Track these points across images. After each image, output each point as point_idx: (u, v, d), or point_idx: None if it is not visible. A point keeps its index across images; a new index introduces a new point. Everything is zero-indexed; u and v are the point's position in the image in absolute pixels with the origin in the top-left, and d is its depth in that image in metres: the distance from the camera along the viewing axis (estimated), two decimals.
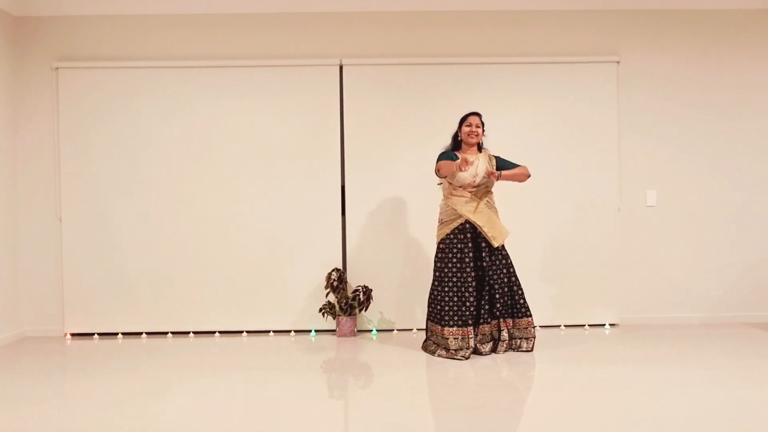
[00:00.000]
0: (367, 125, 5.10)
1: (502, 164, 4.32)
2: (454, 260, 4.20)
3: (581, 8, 5.15)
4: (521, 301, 4.32)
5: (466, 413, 3.14)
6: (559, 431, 2.86)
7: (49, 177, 5.07)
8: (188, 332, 5.07)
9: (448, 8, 5.11)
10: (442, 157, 4.27)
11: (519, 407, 3.22)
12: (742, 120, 5.22)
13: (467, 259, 4.17)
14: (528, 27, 5.16)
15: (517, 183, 4.41)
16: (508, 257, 4.32)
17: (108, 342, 4.90)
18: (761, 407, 3.12)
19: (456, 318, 4.15)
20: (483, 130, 4.33)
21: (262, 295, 5.08)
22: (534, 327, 4.36)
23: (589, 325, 5.14)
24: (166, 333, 5.06)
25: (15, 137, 5.05)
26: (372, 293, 4.96)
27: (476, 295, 4.20)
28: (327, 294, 4.97)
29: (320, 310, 4.94)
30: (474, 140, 4.29)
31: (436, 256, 4.32)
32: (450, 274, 4.21)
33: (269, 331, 5.08)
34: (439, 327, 4.24)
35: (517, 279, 4.33)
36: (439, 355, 4.20)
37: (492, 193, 4.35)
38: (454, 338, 4.14)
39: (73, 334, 5.06)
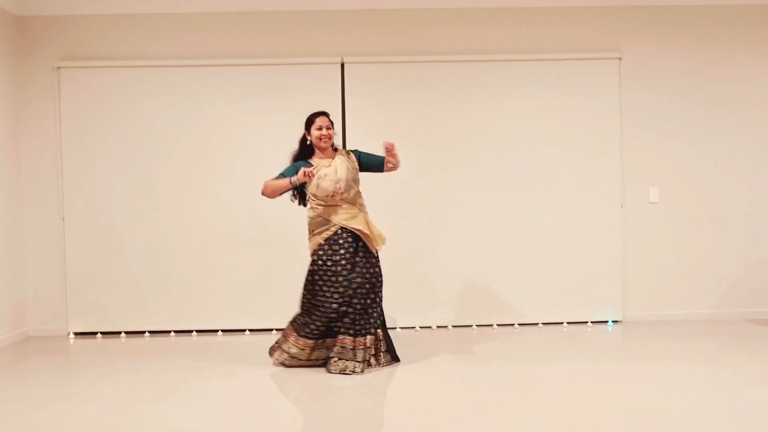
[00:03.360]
0: (369, 123, 5.10)
1: (366, 158, 3.97)
2: (329, 272, 3.82)
3: (583, 5, 5.13)
4: (375, 313, 3.87)
5: (467, 411, 3.14)
6: (561, 429, 2.86)
7: (52, 176, 5.08)
8: (191, 331, 5.07)
9: (449, 6, 5.10)
10: (280, 175, 3.89)
11: (520, 405, 3.22)
12: (744, 116, 5.20)
13: (344, 271, 3.81)
14: (530, 24, 5.14)
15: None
16: (378, 265, 3.92)
17: (111, 341, 4.91)
18: (764, 404, 3.12)
19: (315, 331, 3.85)
20: (334, 130, 3.95)
21: (265, 294, 5.08)
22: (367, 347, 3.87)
23: (591, 322, 5.13)
24: (169, 332, 5.06)
25: (17, 137, 5.05)
26: None
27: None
28: None
29: None
30: (326, 144, 3.89)
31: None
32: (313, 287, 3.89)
33: (272, 330, 5.08)
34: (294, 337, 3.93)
35: (380, 291, 3.91)
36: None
37: (361, 195, 3.98)
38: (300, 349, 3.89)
39: (76, 333, 5.06)
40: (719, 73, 5.19)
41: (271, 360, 4.02)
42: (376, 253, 3.93)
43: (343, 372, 3.74)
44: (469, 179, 5.10)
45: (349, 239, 3.85)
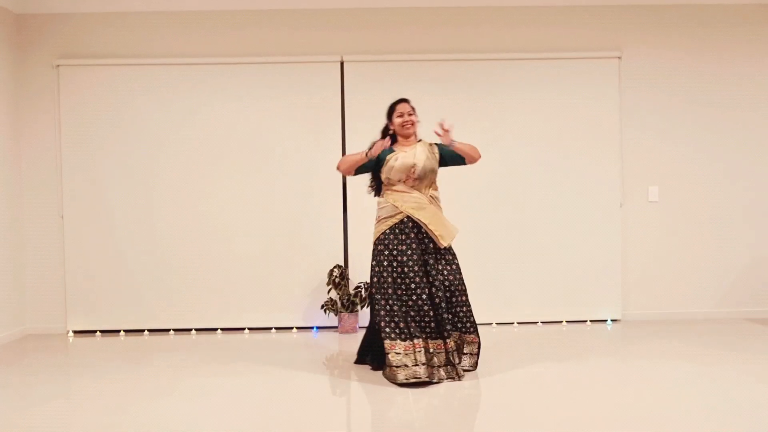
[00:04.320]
0: (369, 122, 5.06)
1: (447, 151, 3.78)
2: (394, 263, 3.65)
3: (583, 4, 5.13)
4: (464, 313, 3.70)
5: (468, 410, 3.14)
6: (559, 427, 2.87)
7: (51, 174, 5.07)
8: (190, 329, 5.07)
9: (449, 5, 5.10)
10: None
11: (519, 404, 3.22)
12: (744, 115, 5.20)
13: (410, 262, 3.62)
14: (529, 23, 5.14)
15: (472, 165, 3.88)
16: (456, 260, 3.74)
17: (110, 339, 4.91)
18: (763, 403, 3.12)
19: (397, 330, 3.56)
20: (417, 117, 3.84)
21: (264, 292, 5.08)
22: (475, 344, 3.76)
23: (591, 321, 5.13)
24: (168, 330, 5.06)
25: (17, 135, 5.05)
26: None
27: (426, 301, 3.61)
28: (329, 291, 4.97)
29: (322, 306, 4.94)
30: (410, 130, 3.76)
31: (373, 258, 3.77)
32: (387, 277, 3.65)
33: (271, 328, 5.08)
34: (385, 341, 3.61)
35: (464, 287, 3.72)
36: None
37: (437, 188, 3.83)
38: (396, 353, 3.53)
39: (75, 332, 5.06)
40: (719, 72, 5.19)
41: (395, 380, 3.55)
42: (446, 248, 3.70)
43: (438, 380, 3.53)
44: (467, 178, 5.09)
45: (414, 230, 3.66)
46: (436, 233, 3.65)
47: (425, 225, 3.65)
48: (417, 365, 3.51)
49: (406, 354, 3.52)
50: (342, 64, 5.08)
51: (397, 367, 3.50)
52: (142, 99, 5.06)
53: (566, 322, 5.13)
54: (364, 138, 5.05)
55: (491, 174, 5.11)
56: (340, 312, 4.91)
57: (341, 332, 4.92)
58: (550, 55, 5.10)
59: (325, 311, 4.96)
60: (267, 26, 5.10)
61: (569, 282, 5.13)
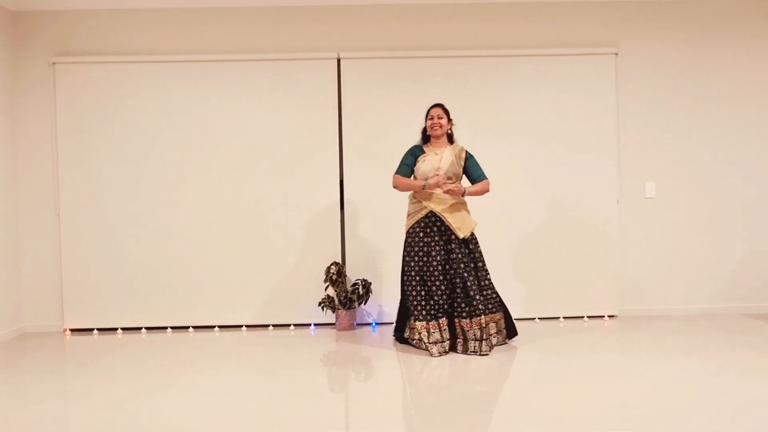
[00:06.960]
0: (366, 119, 5.10)
1: (471, 167, 4.23)
2: (420, 253, 4.15)
3: None
4: (490, 295, 4.19)
5: (465, 406, 3.14)
6: (557, 423, 2.87)
7: (48, 172, 5.06)
8: (188, 327, 5.07)
9: (445, 1, 5.09)
10: (403, 164, 4.22)
11: (518, 400, 3.23)
12: (741, 110, 5.21)
13: (433, 252, 4.12)
14: (526, 19, 5.14)
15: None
16: (477, 250, 4.20)
17: (107, 337, 4.90)
18: (760, 398, 3.13)
19: (424, 312, 4.10)
20: (449, 120, 4.24)
21: (262, 290, 5.08)
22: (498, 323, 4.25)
23: (588, 317, 5.14)
24: (166, 328, 5.06)
25: (13, 133, 5.03)
26: (371, 286, 4.97)
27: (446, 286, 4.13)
28: (326, 288, 4.97)
29: (320, 303, 4.94)
30: (438, 132, 4.18)
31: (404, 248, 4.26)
32: (413, 265, 4.15)
33: (269, 326, 5.08)
34: (411, 320, 4.22)
35: (486, 273, 4.20)
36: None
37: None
38: (427, 332, 4.08)
39: (72, 330, 5.05)
40: (716, 67, 5.20)
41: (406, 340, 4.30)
42: (465, 237, 4.13)
43: (473, 353, 4.02)
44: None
45: (438, 223, 4.12)
46: (453, 225, 4.09)
47: (445, 218, 4.09)
48: (444, 341, 4.06)
49: (433, 332, 4.07)
50: (339, 61, 5.07)
51: (432, 343, 4.04)
52: (138, 96, 5.05)
53: (563, 318, 5.14)
54: (361, 135, 5.08)
55: (487, 170, 5.10)
56: (338, 309, 4.91)
57: (339, 329, 4.93)
58: (546, 51, 5.10)
59: (322, 308, 4.97)
60: (263, 23, 5.10)
61: (566, 278, 5.14)
